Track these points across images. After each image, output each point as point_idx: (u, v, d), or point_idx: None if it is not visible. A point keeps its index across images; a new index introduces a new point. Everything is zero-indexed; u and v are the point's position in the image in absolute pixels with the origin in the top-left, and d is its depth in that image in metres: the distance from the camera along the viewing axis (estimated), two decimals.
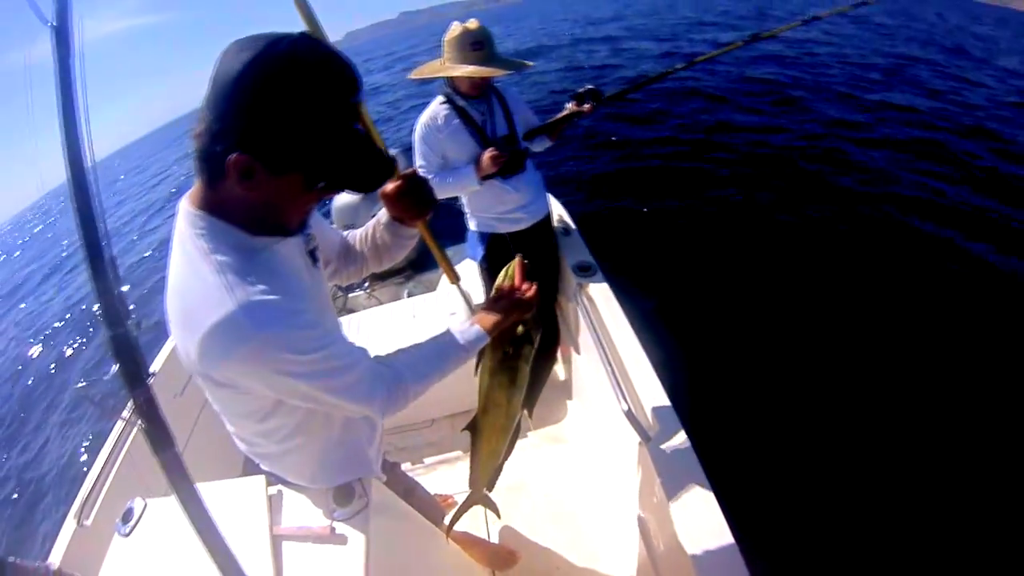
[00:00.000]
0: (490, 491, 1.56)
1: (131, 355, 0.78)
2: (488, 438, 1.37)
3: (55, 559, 1.94)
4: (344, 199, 3.47)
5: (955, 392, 3.21)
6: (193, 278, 0.86)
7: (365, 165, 0.90)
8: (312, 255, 1.09)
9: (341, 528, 1.18)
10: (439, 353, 1.11)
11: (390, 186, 1.25)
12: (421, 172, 2.25)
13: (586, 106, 2.46)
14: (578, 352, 2.75)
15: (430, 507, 1.68)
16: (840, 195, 5.57)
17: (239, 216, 0.88)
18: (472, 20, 2.21)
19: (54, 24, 0.91)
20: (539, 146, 2.59)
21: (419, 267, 3.85)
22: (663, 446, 1.61)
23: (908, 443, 2.95)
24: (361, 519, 1.20)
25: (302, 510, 1.25)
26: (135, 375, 0.76)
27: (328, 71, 0.79)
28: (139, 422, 0.78)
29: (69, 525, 2.04)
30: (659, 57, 13.87)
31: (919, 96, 9.03)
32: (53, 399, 6.42)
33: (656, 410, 1.73)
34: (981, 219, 5.03)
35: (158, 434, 0.76)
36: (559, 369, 3.16)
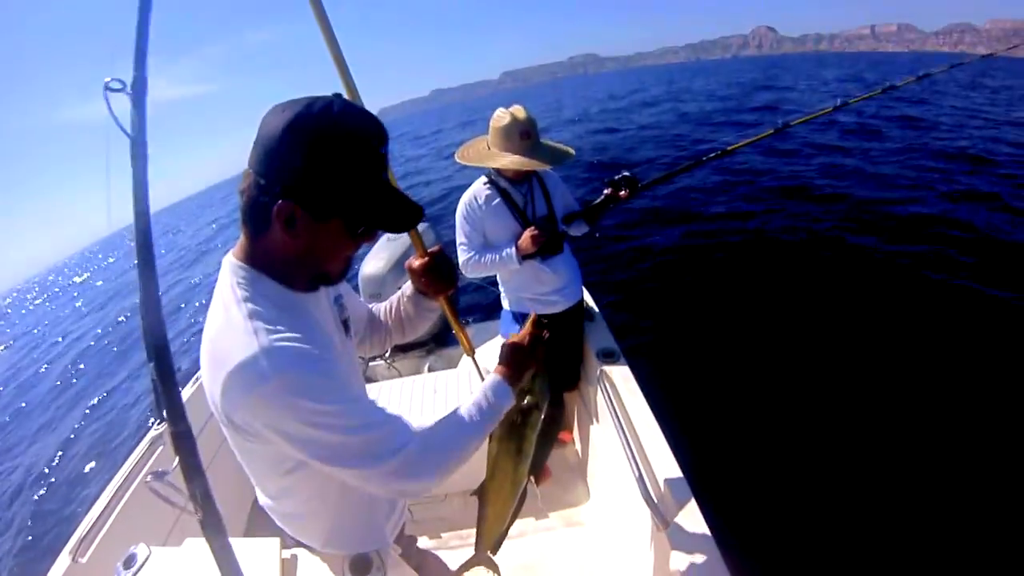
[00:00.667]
0: (494, 554, 1.54)
1: (190, 449, 0.80)
2: (494, 503, 1.38)
3: None
4: (371, 269, 3.54)
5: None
6: (225, 323, 0.89)
7: (397, 208, 0.95)
8: (345, 324, 1.17)
9: None
10: (458, 419, 1.06)
11: (417, 261, 1.35)
12: (462, 250, 2.39)
13: (622, 193, 2.51)
14: (582, 437, 2.76)
15: None
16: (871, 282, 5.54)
17: (279, 268, 0.94)
18: (519, 108, 2.25)
19: (130, 93, 1.00)
20: (577, 230, 2.64)
21: (441, 342, 3.86)
22: (681, 533, 1.59)
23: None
24: None
25: (321, 574, 1.23)
26: (193, 467, 0.78)
27: (360, 124, 0.86)
28: (194, 509, 0.79)
29: (63, 560, 2.01)
30: (696, 142, 14.17)
31: None
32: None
33: (675, 496, 1.70)
34: None
35: (209, 519, 0.77)
36: (576, 450, 3.12)
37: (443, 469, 0.98)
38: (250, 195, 0.88)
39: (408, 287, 1.43)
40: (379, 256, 3.45)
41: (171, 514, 2.48)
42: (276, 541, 1.30)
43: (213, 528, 0.73)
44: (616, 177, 2.53)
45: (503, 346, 1.22)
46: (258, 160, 0.85)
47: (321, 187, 0.84)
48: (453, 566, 2.30)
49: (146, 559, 1.42)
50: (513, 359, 1.19)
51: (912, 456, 3.31)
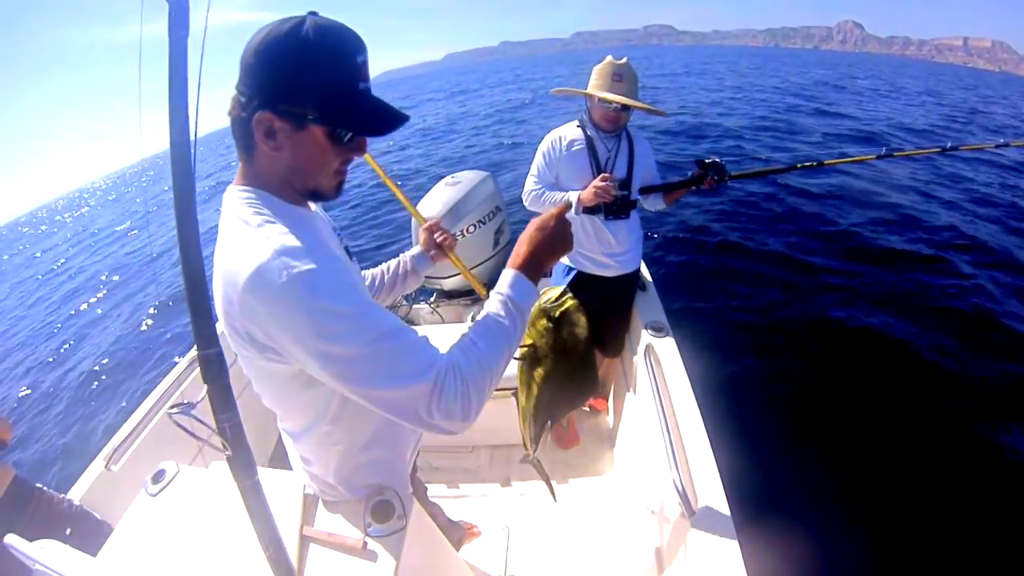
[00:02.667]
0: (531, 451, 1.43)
1: (221, 375, 0.74)
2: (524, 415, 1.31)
3: (75, 495, 1.99)
4: (427, 212, 3.48)
5: None
6: (235, 239, 0.88)
7: (375, 113, 0.93)
8: (347, 252, 1.15)
9: (373, 545, 1.14)
10: (484, 325, 0.97)
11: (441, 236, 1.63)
12: (531, 181, 2.46)
13: (707, 181, 2.38)
14: (616, 408, 2.73)
15: (448, 531, 1.64)
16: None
17: (276, 186, 0.95)
18: (623, 58, 2.32)
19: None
20: (652, 205, 2.58)
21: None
22: (706, 523, 1.53)
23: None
24: (395, 540, 1.15)
25: (336, 517, 1.22)
26: (223, 398, 0.72)
27: (330, 34, 0.86)
28: (222, 445, 0.75)
29: (96, 466, 2.10)
30: (811, 145, 12.82)
31: None
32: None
33: (706, 485, 1.64)
34: None
35: (239, 457, 0.72)
36: (608, 420, 3.08)
37: (479, 389, 0.90)
38: (235, 115, 0.89)
39: (414, 250, 1.64)
40: (436, 198, 3.35)
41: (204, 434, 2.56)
42: (299, 476, 1.28)
43: (242, 466, 0.68)
44: (706, 160, 2.41)
45: (525, 230, 1.09)
46: (239, 80, 0.88)
47: (293, 94, 0.85)
48: (469, 517, 2.33)
49: (174, 476, 1.43)
50: (534, 243, 1.06)
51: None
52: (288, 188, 0.96)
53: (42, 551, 0.97)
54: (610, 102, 2.25)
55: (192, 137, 0.87)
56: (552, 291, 1.17)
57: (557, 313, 1.14)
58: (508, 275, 1.02)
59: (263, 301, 0.82)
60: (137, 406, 2.36)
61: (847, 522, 2.91)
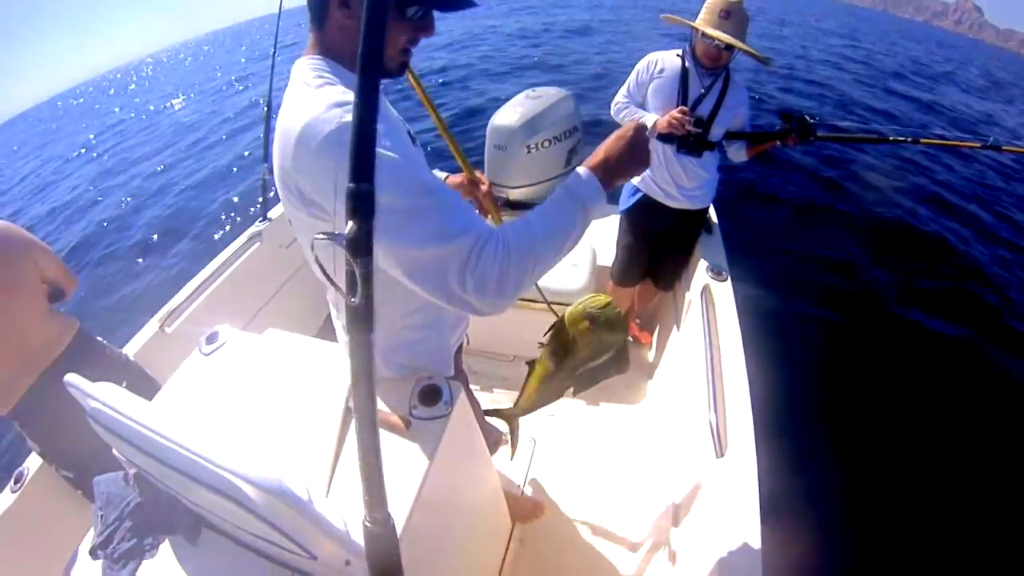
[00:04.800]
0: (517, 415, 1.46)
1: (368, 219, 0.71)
2: (529, 385, 1.35)
3: (130, 351, 2.08)
4: (503, 120, 3.38)
5: None
6: (296, 99, 0.89)
7: None
8: (410, 136, 1.11)
9: (416, 426, 1.16)
10: (543, 210, 0.97)
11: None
12: (620, 94, 2.47)
13: (790, 138, 2.27)
14: (659, 342, 2.75)
15: (485, 431, 1.67)
16: None
17: (346, 57, 0.95)
18: None
19: None
20: (735, 155, 2.50)
21: None
22: (732, 468, 1.54)
23: None
24: (438, 425, 1.17)
25: (385, 394, 1.24)
26: (366, 244, 0.69)
27: None
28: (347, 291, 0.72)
29: (151, 326, 2.19)
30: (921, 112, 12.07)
31: None
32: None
33: (738, 434, 1.64)
34: None
35: (365, 314, 0.70)
36: (648, 353, 3.07)
37: (521, 266, 0.88)
38: None
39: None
40: (515, 109, 3.30)
41: (255, 307, 2.64)
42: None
43: (364, 320, 0.66)
44: (792, 114, 2.28)
45: (611, 143, 1.05)
46: None
47: None
48: (498, 425, 2.38)
49: (227, 340, 1.47)
50: (611, 150, 1.03)
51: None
52: (355, 60, 0.93)
53: (104, 391, 1.01)
54: (713, 38, 2.14)
55: None
56: (599, 298, 1.21)
57: (603, 318, 1.18)
58: (580, 171, 1.00)
59: (312, 151, 0.83)
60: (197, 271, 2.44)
61: (869, 513, 2.89)
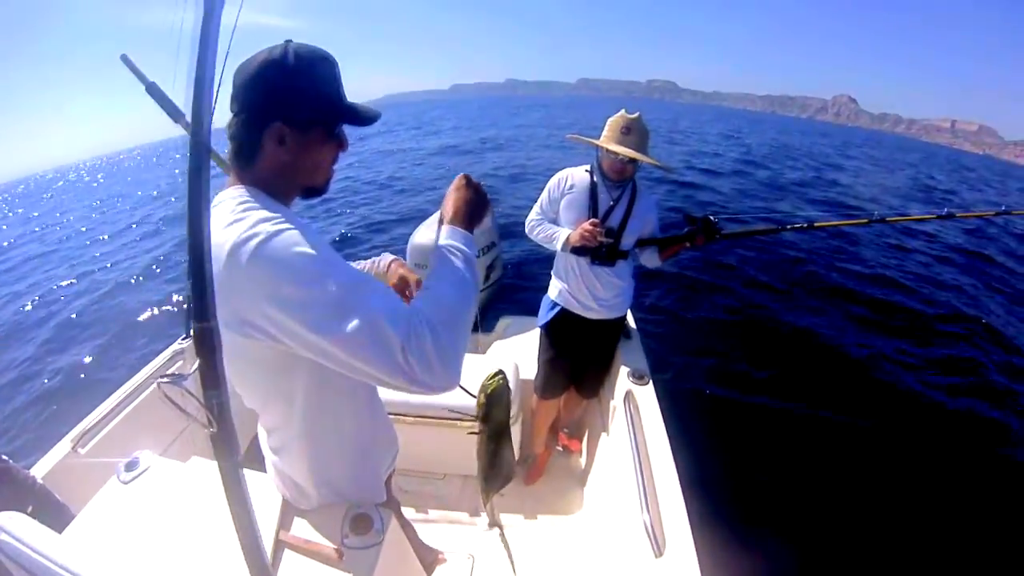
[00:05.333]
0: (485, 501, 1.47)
1: (213, 351, 0.72)
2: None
3: (38, 473, 1.94)
4: (422, 239, 3.52)
5: None
6: (221, 230, 0.92)
7: (359, 110, 1.08)
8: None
9: (348, 556, 1.15)
10: (433, 274, 1.04)
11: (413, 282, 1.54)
12: (534, 211, 2.59)
13: (697, 238, 2.44)
14: (589, 450, 2.80)
15: (421, 552, 1.65)
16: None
17: (272, 186, 1.03)
18: (636, 112, 2.39)
19: None
20: (648, 260, 2.65)
21: (474, 328, 3.84)
22: (673, 566, 1.56)
23: None
24: (371, 554, 1.17)
25: (312, 525, 1.23)
26: (214, 373, 0.73)
27: (317, 52, 1.01)
28: (208, 421, 0.75)
29: (63, 446, 2.05)
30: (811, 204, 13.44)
31: None
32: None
33: (675, 530, 1.67)
34: None
35: (223, 435, 0.74)
36: (580, 461, 3.10)
37: (447, 328, 0.92)
38: (238, 134, 1.00)
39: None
40: (432, 227, 3.43)
41: (177, 428, 2.53)
42: (276, 480, 1.29)
43: (225, 446, 0.70)
44: (696, 216, 2.47)
45: (452, 198, 1.17)
46: (239, 104, 0.99)
47: (301, 104, 0.99)
48: (435, 544, 2.31)
49: (148, 467, 1.43)
50: (457, 202, 1.16)
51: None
52: (286, 188, 1.06)
53: (10, 520, 0.97)
54: (617, 154, 2.32)
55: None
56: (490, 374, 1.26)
57: (489, 391, 1.24)
58: (443, 230, 1.12)
59: (241, 266, 0.87)
60: (114, 389, 2.34)
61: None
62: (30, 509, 1.73)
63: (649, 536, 1.64)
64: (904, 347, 5.77)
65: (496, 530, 2.48)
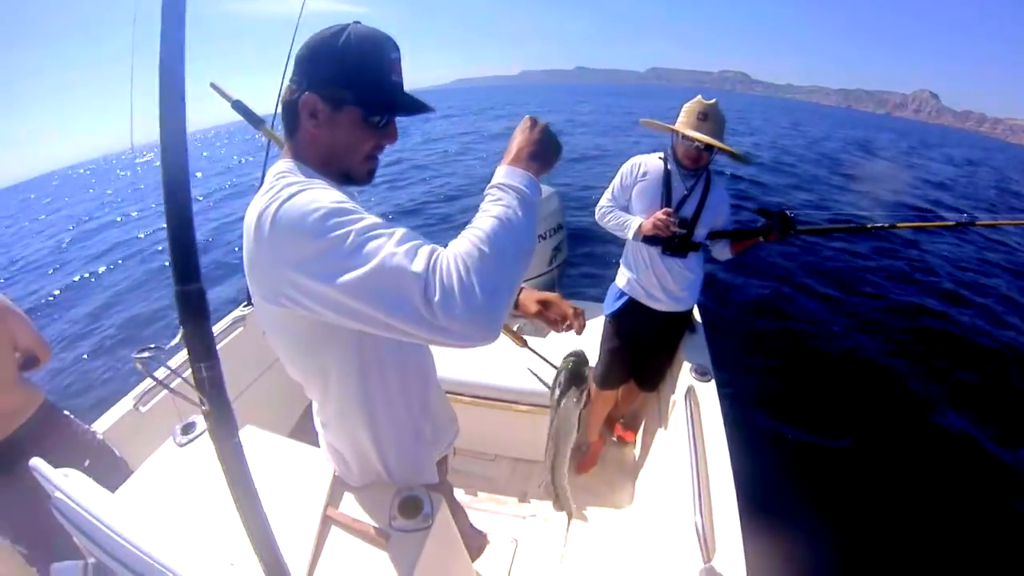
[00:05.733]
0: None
1: (200, 320, 0.63)
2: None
3: (100, 428, 2.01)
4: None
5: None
6: (255, 202, 0.91)
7: (404, 99, 1.03)
8: None
9: (395, 539, 1.12)
10: (480, 211, 0.90)
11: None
12: (605, 197, 2.53)
13: (772, 233, 2.37)
14: (644, 443, 2.77)
15: (470, 537, 1.61)
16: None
17: (314, 163, 1.01)
18: (713, 99, 2.31)
19: None
20: (719, 253, 2.58)
21: None
22: (722, 573, 1.49)
23: None
24: (417, 538, 1.13)
25: (361, 504, 1.22)
26: (203, 346, 0.64)
27: (370, 34, 0.98)
28: (198, 399, 0.67)
29: (125, 403, 2.12)
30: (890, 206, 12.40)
31: None
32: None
33: (726, 536, 1.61)
34: None
35: (221, 418, 0.67)
36: (634, 453, 3.03)
37: (483, 271, 0.79)
38: (286, 99, 1.01)
39: None
40: None
41: (232, 393, 2.59)
42: (326, 456, 1.28)
43: (222, 424, 0.64)
44: (772, 211, 2.37)
45: (516, 140, 1.01)
46: (293, 72, 1.00)
47: (334, 79, 0.96)
48: (480, 525, 2.30)
49: (203, 431, 1.44)
50: (520, 143, 0.99)
51: None
52: (325, 168, 1.02)
53: (66, 480, 0.98)
54: (692, 139, 2.23)
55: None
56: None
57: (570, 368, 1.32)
58: (498, 171, 0.96)
59: (263, 237, 0.85)
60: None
61: None
62: (87, 463, 1.80)
63: (700, 539, 1.58)
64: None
65: (545, 516, 2.47)
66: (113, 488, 1.20)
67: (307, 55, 0.97)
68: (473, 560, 1.60)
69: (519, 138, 1.00)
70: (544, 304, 1.40)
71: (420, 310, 0.76)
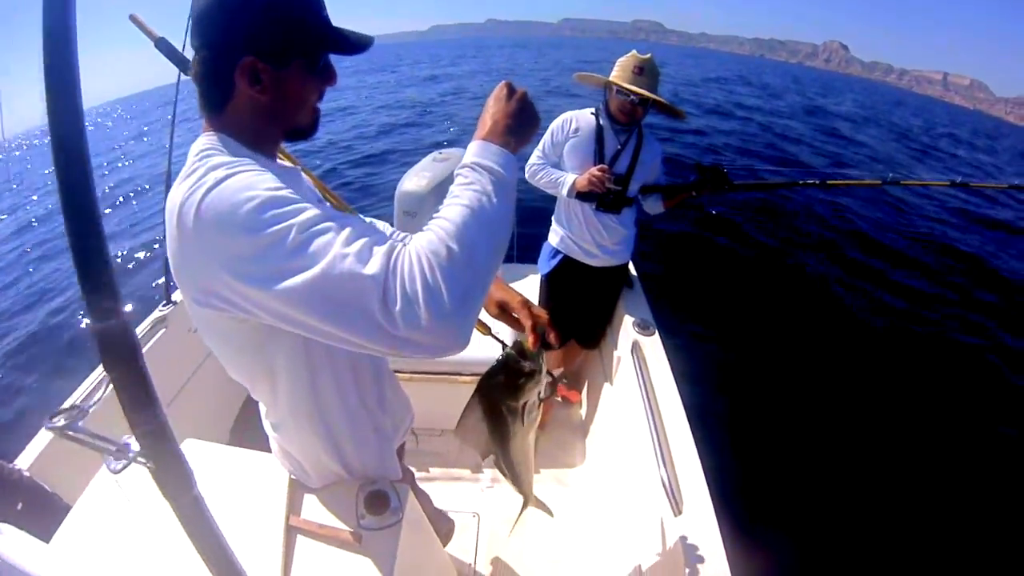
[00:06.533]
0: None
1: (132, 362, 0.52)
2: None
3: (23, 464, 1.83)
4: (411, 186, 3.30)
5: None
6: (175, 188, 0.79)
7: (346, 36, 0.92)
8: None
9: (367, 539, 1.07)
10: (449, 196, 0.80)
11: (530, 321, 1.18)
12: (535, 155, 2.46)
13: (706, 187, 2.37)
14: (590, 401, 2.79)
15: (437, 522, 1.58)
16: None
17: (251, 133, 0.88)
18: (648, 53, 2.29)
19: None
20: (651, 208, 2.58)
21: None
22: (693, 525, 1.52)
23: None
24: (391, 533, 1.08)
25: (325, 506, 1.15)
26: (139, 395, 0.52)
27: None
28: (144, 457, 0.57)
29: (46, 433, 1.91)
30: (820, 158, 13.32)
31: None
32: None
33: (691, 486, 1.64)
34: None
35: (175, 474, 0.56)
36: (580, 413, 3.06)
37: (451, 265, 0.70)
38: (204, 73, 0.86)
39: None
40: (421, 175, 3.22)
41: (165, 403, 2.39)
42: (280, 460, 1.20)
43: (175, 480, 0.55)
44: (705, 165, 2.39)
45: (490, 111, 0.90)
46: (202, 37, 0.85)
47: (274, 33, 0.83)
48: (441, 504, 2.27)
49: (138, 454, 1.31)
50: (495, 113, 0.89)
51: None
52: (266, 133, 0.92)
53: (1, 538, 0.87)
54: (627, 93, 2.22)
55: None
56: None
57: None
58: (471, 147, 0.86)
59: (187, 230, 0.73)
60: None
61: (832, 527, 2.99)
62: (19, 506, 1.63)
63: (667, 493, 1.60)
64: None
65: (500, 481, 2.47)
66: (51, 531, 1.08)
67: (216, 13, 0.82)
68: (444, 545, 1.57)
69: (493, 108, 0.89)
70: (502, 307, 1.20)
71: (378, 320, 0.67)
